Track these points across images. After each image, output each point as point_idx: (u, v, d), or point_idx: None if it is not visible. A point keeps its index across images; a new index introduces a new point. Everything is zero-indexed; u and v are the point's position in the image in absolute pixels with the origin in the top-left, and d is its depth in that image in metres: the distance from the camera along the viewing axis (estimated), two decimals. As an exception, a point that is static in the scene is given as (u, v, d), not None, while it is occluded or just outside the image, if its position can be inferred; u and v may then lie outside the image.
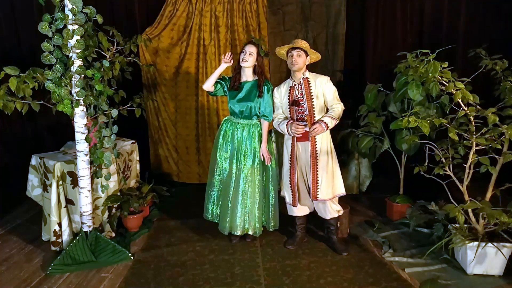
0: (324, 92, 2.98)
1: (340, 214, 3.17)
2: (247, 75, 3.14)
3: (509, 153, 2.64)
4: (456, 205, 2.75)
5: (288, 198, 3.16)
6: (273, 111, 3.15)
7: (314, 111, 2.96)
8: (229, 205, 3.17)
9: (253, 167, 3.15)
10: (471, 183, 2.85)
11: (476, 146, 2.72)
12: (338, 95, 3.03)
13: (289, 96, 3.04)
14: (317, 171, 2.99)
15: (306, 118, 2.95)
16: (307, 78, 3.01)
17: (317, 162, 2.98)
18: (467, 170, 2.82)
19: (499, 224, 2.69)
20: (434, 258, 2.96)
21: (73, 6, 2.60)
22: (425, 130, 2.59)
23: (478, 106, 2.68)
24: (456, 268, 2.84)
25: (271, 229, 3.33)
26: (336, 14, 4.48)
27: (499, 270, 2.73)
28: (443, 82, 2.70)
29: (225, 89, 3.20)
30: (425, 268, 2.85)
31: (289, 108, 3.04)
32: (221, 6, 4.46)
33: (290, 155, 3.08)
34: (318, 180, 2.99)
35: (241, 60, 3.05)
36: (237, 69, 3.14)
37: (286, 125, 2.97)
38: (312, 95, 2.96)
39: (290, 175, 3.10)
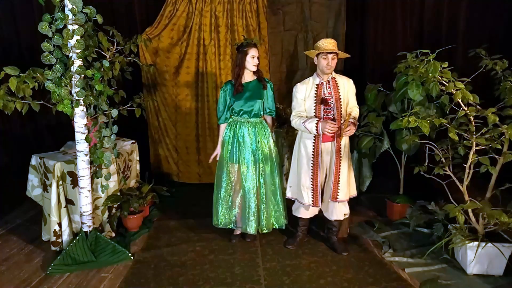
0: (348, 94, 3.00)
1: (346, 217, 3.17)
2: (248, 76, 3.17)
3: (509, 153, 2.64)
4: (456, 205, 2.75)
5: (307, 199, 3.05)
6: (294, 108, 3.07)
7: (341, 111, 2.95)
8: (252, 207, 3.15)
9: (272, 163, 3.21)
10: (471, 183, 2.85)
11: (476, 146, 2.72)
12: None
13: (316, 94, 2.98)
14: (340, 172, 2.99)
15: (334, 117, 2.94)
16: (334, 78, 3.00)
17: (340, 162, 2.98)
18: (467, 170, 2.82)
19: (499, 224, 2.69)
20: (434, 258, 2.96)
21: (73, 6, 2.60)
22: (425, 130, 2.58)
23: (478, 106, 2.68)
24: (456, 268, 2.84)
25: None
26: (336, 14, 4.48)
27: (499, 270, 2.73)
28: (443, 82, 2.70)
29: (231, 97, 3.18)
30: (425, 268, 2.85)
31: (314, 106, 2.97)
32: (221, 6, 4.46)
33: (313, 155, 3.02)
34: (339, 181, 2.99)
35: (252, 65, 3.10)
36: (238, 72, 3.14)
37: (316, 123, 2.84)
38: (340, 95, 2.95)
39: (312, 175, 3.03)
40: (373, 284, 2.67)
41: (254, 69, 3.13)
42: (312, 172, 3.02)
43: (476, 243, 2.71)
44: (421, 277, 2.73)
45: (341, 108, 2.94)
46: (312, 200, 3.04)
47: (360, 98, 3.88)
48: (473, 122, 2.69)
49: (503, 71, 3.01)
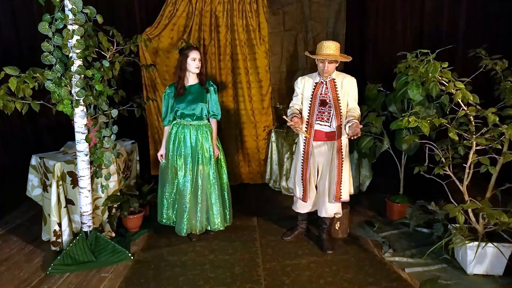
0: (348, 93, 2.95)
1: (338, 216, 3.20)
2: (191, 79, 3.22)
3: (509, 153, 2.64)
4: (456, 205, 2.75)
5: (299, 193, 3.18)
6: (292, 99, 3.13)
7: (341, 113, 2.95)
8: (187, 207, 3.21)
9: (209, 166, 3.24)
10: (471, 183, 2.85)
11: (476, 146, 2.72)
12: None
13: (313, 92, 3.01)
14: (342, 172, 3.01)
15: (330, 118, 2.97)
16: (334, 79, 2.97)
17: (342, 163, 3.00)
18: (467, 170, 2.82)
19: (499, 224, 2.69)
20: (434, 258, 2.96)
21: (73, 6, 2.60)
22: (425, 130, 2.59)
23: (478, 106, 2.68)
24: (456, 268, 2.84)
25: (228, 223, 3.44)
26: (336, 14, 4.48)
27: (499, 270, 2.74)
28: (443, 82, 2.70)
29: (173, 100, 3.22)
30: (425, 268, 2.85)
31: (309, 104, 3.01)
32: (221, 6, 4.46)
33: (303, 151, 3.09)
34: (342, 181, 3.01)
35: (194, 67, 3.14)
36: (180, 75, 3.17)
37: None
38: (339, 97, 2.95)
39: (302, 170, 3.11)
40: (373, 284, 2.67)
41: (196, 71, 3.16)
42: (302, 169, 3.12)
43: (476, 243, 2.71)
44: (421, 277, 2.73)
45: (341, 108, 2.94)
46: (302, 195, 3.16)
47: (360, 98, 3.90)
48: (473, 122, 2.69)
49: (503, 71, 3.01)
